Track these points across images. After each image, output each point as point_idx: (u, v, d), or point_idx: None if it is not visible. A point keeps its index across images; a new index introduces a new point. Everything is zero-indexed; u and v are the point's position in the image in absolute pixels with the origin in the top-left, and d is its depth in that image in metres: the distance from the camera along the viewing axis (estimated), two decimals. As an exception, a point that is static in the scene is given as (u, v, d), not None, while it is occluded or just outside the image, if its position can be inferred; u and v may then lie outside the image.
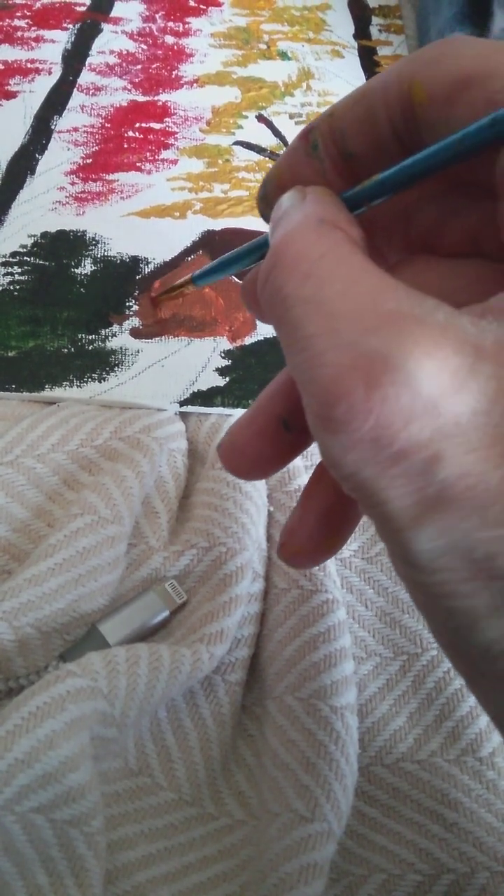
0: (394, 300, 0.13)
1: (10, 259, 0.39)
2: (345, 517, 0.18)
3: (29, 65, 0.49)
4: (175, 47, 0.52)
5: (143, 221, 0.41)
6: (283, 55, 0.52)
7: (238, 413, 0.33)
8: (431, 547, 0.13)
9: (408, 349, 0.12)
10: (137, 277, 0.38)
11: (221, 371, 0.35)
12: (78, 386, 0.34)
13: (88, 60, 0.50)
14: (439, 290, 0.15)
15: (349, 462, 0.13)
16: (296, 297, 0.14)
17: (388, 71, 0.16)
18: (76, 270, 0.38)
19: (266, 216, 0.18)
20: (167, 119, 0.47)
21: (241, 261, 0.20)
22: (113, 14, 0.54)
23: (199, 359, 0.35)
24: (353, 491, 0.14)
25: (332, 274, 0.14)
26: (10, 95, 0.47)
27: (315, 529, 0.18)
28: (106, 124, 0.46)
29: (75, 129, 0.46)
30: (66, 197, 0.42)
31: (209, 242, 0.40)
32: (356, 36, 0.54)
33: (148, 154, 0.44)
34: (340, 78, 0.50)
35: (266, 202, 0.18)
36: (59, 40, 0.51)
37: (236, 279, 0.39)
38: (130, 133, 0.46)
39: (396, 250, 0.19)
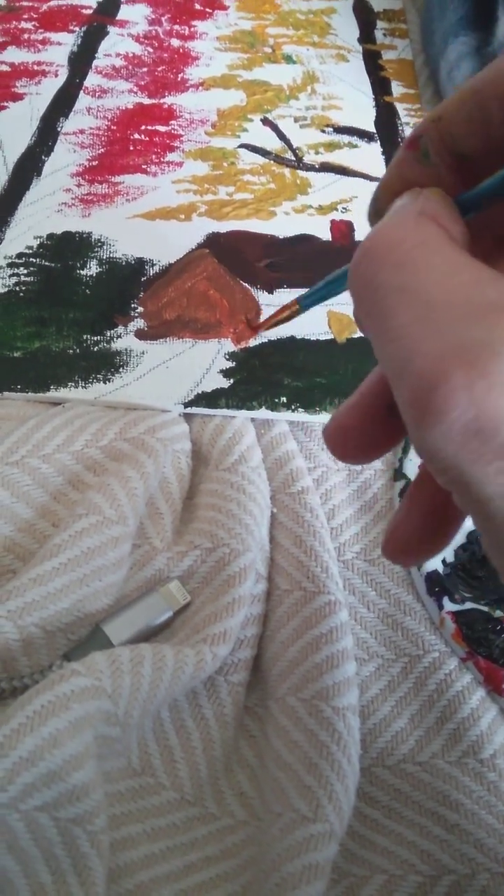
0: (495, 291, 0.13)
1: (17, 260, 0.39)
2: (450, 515, 0.18)
3: (35, 67, 0.50)
4: (181, 50, 0.52)
5: (149, 223, 0.41)
6: (288, 59, 0.52)
7: (242, 415, 0.34)
8: None
9: None
10: (142, 279, 0.39)
11: (225, 373, 0.35)
12: (83, 387, 0.34)
13: (94, 63, 0.50)
14: None
15: (448, 455, 0.12)
16: (389, 286, 0.13)
17: (497, 66, 0.15)
18: (82, 272, 0.39)
19: None
20: (173, 122, 0.47)
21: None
22: (119, 17, 0.54)
23: (204, 361, 0.36)
24: (450, 484, 0.13)
25: (428, 263, 0.13)
26: (17, 97, 0.47)
27: (419, 527, 0.18)
28: (112, 127, 0.46)
29: (81, 132, 0.46)
30: (72, 199, 0.42)
31: (214, 244, 0.40)
32: (361, 40, 0.54)
33: (153, 156, 0.45)
34: (345, 82, 0.51)
35: (379, 216, 0.17)
36: (65, 43, 0.51)
37: (243, 282, 0.39)
38: (136, 135, 0.46)
39: (483, 249, 0.18)
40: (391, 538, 0.18)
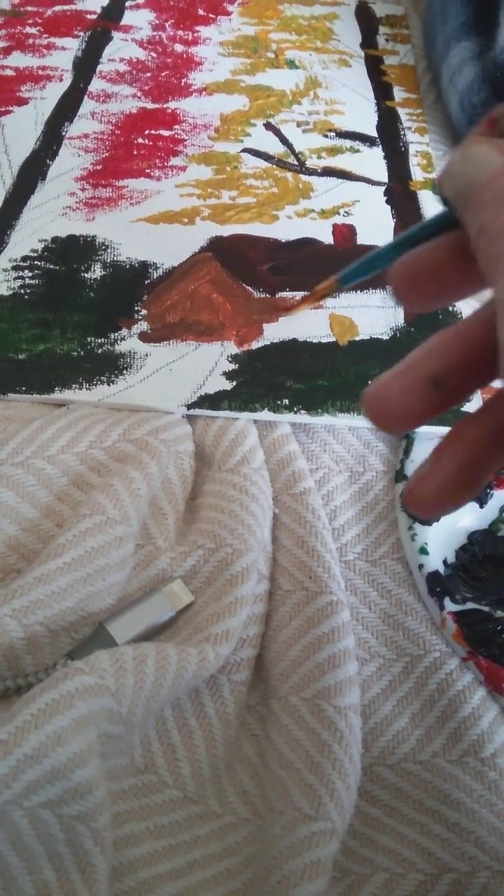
0: None
1: (21, 263, 0.39)
2: (478, 475, 0.19)
3: (40, 72, 0.50)
4: (184, 55, 0.52)
5: (152, 227, 0.42)
6: (291, 64, 0.52)
7: (244, 416, 0.34)
8: None
9: None
10: (146, 282, 0.39)
11: (228, 375, 0.35)
12: (87, 389, 0.35)
13: (99, 68, 0.51)
14: None
15: None
16: None
17: None
18: (86, 275, 0.39)
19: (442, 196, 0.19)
20: (176, 126, 0.47)
21: (390, 255, 0.20)
22: (123, 22, 0.54)
23: (207, 363, 0.36)
24: None
25: None
26: (22, 102, 0.48)
27: (445, 480, 0.18)
28: (116, 131, 0.47)
29: (86, 136, 0.46)
30: (77, 202, 0.42)
31: (217, 248, 0.41)
32: (363, 45, 0.54)
33: (157, 161, 0.45)
34: (347, 87, 0.51)
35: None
36: (69, 48, 0.52)
37: (245, 285, 0.39)
38: (140, 140, 0.46)
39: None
40: (415, 488, 0.19)
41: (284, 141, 0.47)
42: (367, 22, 0.56)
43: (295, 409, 0.34)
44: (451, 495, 0.18)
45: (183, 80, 0.50)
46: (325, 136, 0.48)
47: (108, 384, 0.35)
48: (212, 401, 0.34)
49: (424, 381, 0.18)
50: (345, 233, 0.42)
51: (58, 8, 0.55)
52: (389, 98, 0.50)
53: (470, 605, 0.30)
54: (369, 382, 0.35)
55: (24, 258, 0.39)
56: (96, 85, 0.50)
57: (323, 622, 0.28)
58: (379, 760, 0.28)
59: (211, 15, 0.56)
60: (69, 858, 0.23)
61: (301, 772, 0.25)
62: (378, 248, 0.21)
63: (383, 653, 0.30)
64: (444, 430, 0.35)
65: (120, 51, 0.52)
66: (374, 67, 0.53)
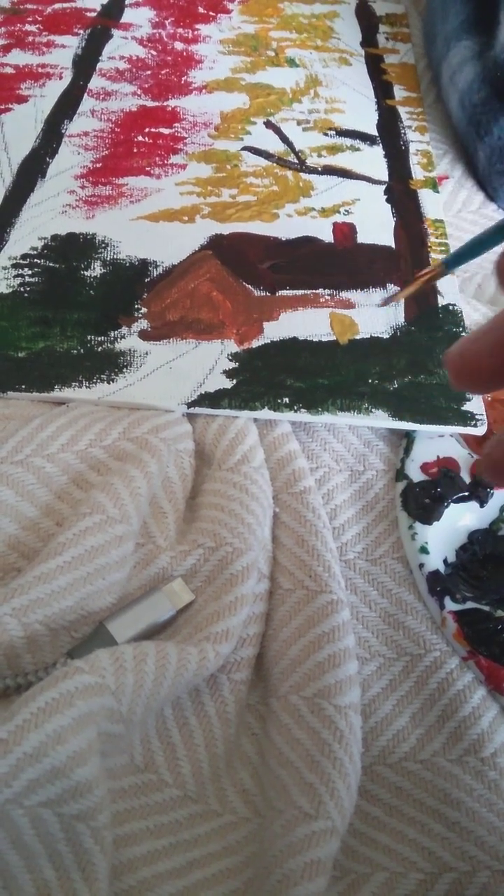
0: None
1: (21, 261, 0.39)
2: None
3: (40, 69, 0.50)
4: (184, 53, 0.52)
5: (152, 225, 0.41)
6: (291, 62, 0.52)
7: (245, 415, 0.34)
8: None
9: None
10: (146, 280, 0.39)
11: (229, 373, 0.35)
12: (87, 387, 0.35)
13: (99, 65, 0.51)
14: None
15: None
16: None
17: None
18: (86, 273, 0.39)
19: None
20: (176, 124, 0.47)
21: (495, 239, 0.20)
22: (123, 20, 0.54)
23: (207, 361, 0.36)
24: None
25: None
26: (22, 99, 0.48)
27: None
28: (116, 129, 0.47)
29: (86, 134, 0.46)
30: (76, 200, 0.42)
31: (217, 246, 0.41)
32: (363, 44, 0.54)
33: (157, 159, 0.45)
34: (347, 85, 0.51)
35: None
36: (69, 45, 0.52)
37: (245, 284, 0.39)
38: (140, 138, 0.46)
39: None
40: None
41: (285, 139, 0.47)
42: (368, 20, 0.56)
43: (295, 407, 0.34)
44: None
45: (183, 78, 0.50)
46: (326, 134, 0.47)
47: (108, 382, 0.35)
48: (212, 399, 0.34)
49: None
50: (345, 231, 0.42)
51: (58, 6, 0.55)
52: (390, 96, 0.50)
53: (470, 605, 0.30)
54: (370, 381, 0.35)
55: (24, 256, 0.39)
56: (96, 83, 0.49)
57: (323, 621, 0.28)
58: (379, 759, 0.28)
59: (211, 13, 0.56)
60: (69, 857, 0.23)
61: (301, 771, 0.25)
62: (482, 232, 0.21)
63: (383, 652, 0.30)
64: (446, 429, 0.35)
65: (120, 48, 0.52)
66: (375, 66, 0.53)
